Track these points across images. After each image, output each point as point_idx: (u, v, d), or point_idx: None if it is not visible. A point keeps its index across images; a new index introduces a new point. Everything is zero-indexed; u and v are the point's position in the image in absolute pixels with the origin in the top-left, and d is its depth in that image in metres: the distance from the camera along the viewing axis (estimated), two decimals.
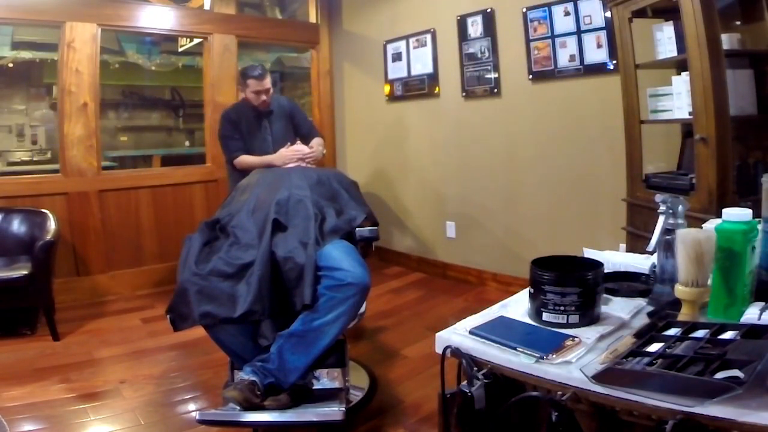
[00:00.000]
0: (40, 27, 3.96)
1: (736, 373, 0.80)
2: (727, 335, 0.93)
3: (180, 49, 5.16)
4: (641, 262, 1.42)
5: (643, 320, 1.14)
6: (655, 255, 1.26)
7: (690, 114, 2.18)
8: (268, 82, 2.93)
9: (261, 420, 1.80)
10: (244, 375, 1.85)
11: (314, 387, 1.99)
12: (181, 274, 1.90)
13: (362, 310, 2.06)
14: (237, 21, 4.24)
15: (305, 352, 1.85)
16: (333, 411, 1.83)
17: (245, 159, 2.94)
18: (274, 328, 1.90)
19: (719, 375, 0.80)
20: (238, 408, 1.77)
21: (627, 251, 2.42)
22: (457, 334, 1.12)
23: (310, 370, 1.94)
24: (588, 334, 1.07)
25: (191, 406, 2.24)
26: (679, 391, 0.80)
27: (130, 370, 2.54)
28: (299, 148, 2.79)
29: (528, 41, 3.29)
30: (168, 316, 1.93)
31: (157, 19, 3.85)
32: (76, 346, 2.83)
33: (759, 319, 0.98)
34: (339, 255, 1.93)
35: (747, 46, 2.19)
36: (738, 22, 2.27)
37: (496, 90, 3.53)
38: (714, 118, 2.03)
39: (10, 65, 4.74)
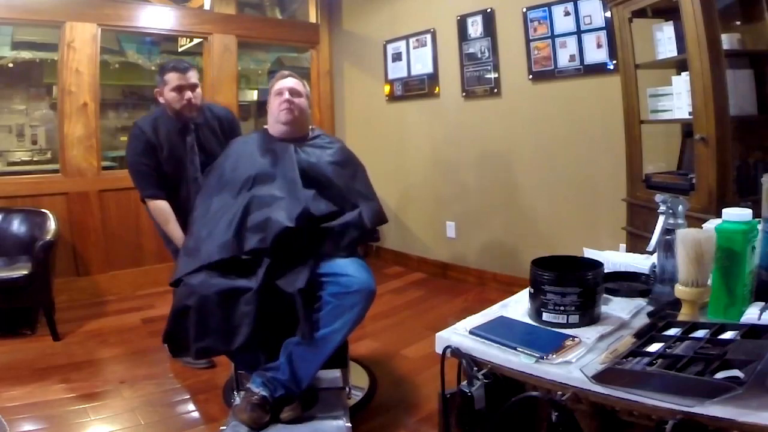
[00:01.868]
0: (40, 27, 3.95)
1: (736, 373, 0.80)
2: (727, 335, 0.93)
3: (180, 49, 5.15)
4: (641, 262, 1.42)
5: (643, 320, 1.14)
6: (655, 255, 1.26)
7: (690, 114, 2.18)
8: (193, 76, 2.35)
9: None
10: (255, 387, 1.85)
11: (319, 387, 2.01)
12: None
13: None
14: (237, 21, 4.24)
15: (314, 360, 1.83)
16: (339, 426, 1.86)
17: (160, 210, 2.34)
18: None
19: (719, 375, 0.80)
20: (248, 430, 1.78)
21: (627, 251, 2.42)
22: (457, 334, 1.12)
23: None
24: (588, 334, 1.07)
25: (191, 406, 2.24)
26: (679, 391, 0.80)
27: (130, 370, 2.54)
28: None
29: (528, 41, 3.29)
30: (165, 345, 1.93)
31: (157, 19, 3.85)
32: (76, 346, 2.83)
33: (759, 319, 0.98)
34: (343, 261, 1.91)
35: (747, 46, 2.19)
36: (738, 22, 2.27)
37: (496, 90, 3.53)
38: (714, 118, 2.03)
39: (10, 65, 4.73)
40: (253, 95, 5.89)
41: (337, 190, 2.03)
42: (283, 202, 1.91)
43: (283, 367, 1.84)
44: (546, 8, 3.17)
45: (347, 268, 1.87)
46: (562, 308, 1.11)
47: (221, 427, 1.86)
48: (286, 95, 2.10)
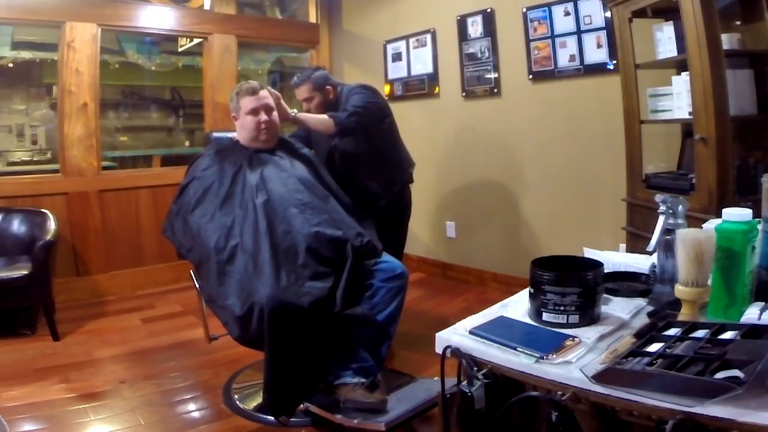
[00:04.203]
0: (40, 27, 3.95)
1: (736, 373, 0.80)
2: (727, 335, 0.93)
3: (180, 49, 5.15)
4: (641, 262, 1.42)
5: (643, 320, 1.14)
6: (655, 255, 1.26)
7: (690, 114, 2.18)
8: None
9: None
10: (351, 378, 1.87)
11: None
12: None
13: None
14: (237, 21, 4.24)
15: (385, 341, 2.02)
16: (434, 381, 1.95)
17: None
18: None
19: (719, 375, 0.80)
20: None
21: (627, 251, 2.42)
22: (457, 334, 1.12)
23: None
24: (588, 334, 1.07)
25: (191, 406, 2.24)
26: (679, 391, 0.80)
27: (130, 370, 2.54)
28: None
29: (528, 41, 3.29)
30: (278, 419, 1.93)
31: (157, 19, 3.85)
32: (76, 346, 2.83)
33: (759, 319, 0.98)
34: None
35: (747, 46, 2.19)
36: (738, 22, 2.27)
37: (496, 90, 3.53)
38: (714, 118, 2.03)
39: (10, 65, 4.73)
40: None
41: (320, 191, 2.14)
42: (309, 214, 1.99)
43: (364, 355, 1.92)
44: (546, 8, 3.17)
45: (383, 255, 2.08)
46: (562, 308, 1.11)
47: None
48: (263, 116, 2.15)
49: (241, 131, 2.20)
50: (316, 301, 1.78)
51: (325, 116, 2.41)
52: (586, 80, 3.07)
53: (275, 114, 2.21)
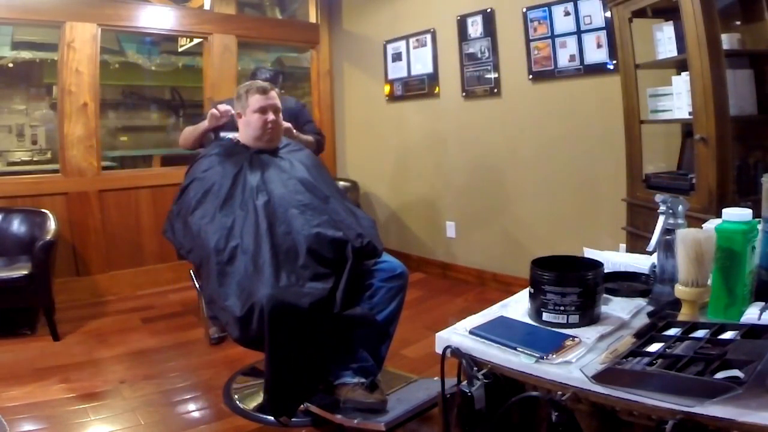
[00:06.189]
0: (40, 27, 3.96)
1: (736, 373, 0.80)
2: (727, 335, 0.93)
3: (180, 49, 5.16)
4: (641, 262, 1.42)
5: (643, 320, 1.14)
6: (655, 255, 1.26)
7: (690, 114, 2.18)
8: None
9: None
10: (351, 378, 1.87)
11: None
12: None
13: None
14: (237, 21, 4.24)
15: (385, 341, 2.03)
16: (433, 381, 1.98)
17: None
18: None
19: (719, 375, 0.80)
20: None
21: (627, 251, 2.42)
22: (457, 334, 1.12)
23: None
24: (588, 334, 1.07)
25: (191, 406, 2.24)
26: (679, 391, 0.80)
27: (130, 370, 2.54)
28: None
29: (528, 41, 3.29)
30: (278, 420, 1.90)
31: (157, 19, 3.85)
32: (76, 346, 2.83)
33: (759, 319, 0.98)
34: None
35: (747, 46, 2.19)
36: (738, 22, 2.27)
37: (496, 90, 3.53)
38: (714, 118, 2.03)
39: (10, 65, 4.74)
40: None
41: (320, 192, 2.13)
42: (310, 216, 1.97)
43: (364, 355, 1.92)
44: (546, 8, 3.17)
45: (383, 255, 2.08)
46: (562, 308, 1.11)
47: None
48: (271, 116, 2.15)
49: (245, 129, 2.19)
50: (316, 301, 1.78)
51: (309, 136, 2.71)
52: (586, 80, 3.07)
53: (281, 116, 2.22)
